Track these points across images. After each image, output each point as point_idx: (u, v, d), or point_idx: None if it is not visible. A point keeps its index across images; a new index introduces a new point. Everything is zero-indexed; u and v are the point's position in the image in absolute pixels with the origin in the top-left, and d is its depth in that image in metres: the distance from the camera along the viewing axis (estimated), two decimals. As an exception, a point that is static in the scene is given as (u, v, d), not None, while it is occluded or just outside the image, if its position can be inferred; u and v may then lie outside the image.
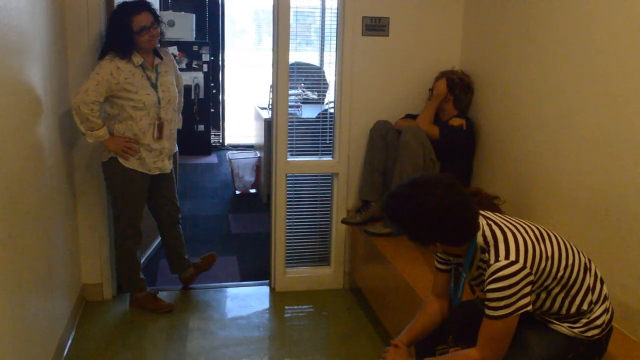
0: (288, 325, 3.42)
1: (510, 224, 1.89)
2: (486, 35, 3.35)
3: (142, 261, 4.00)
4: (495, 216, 1.94)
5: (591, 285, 1.92)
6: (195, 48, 7.18)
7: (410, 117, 3.53)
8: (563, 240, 1.93)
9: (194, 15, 7.21)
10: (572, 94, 2.57)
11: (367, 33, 3.51)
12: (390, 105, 3.63)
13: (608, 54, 2.35)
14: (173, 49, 6.85)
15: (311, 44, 3.79)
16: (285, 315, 3.55)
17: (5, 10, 2.14)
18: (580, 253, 1.96)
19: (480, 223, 1.88)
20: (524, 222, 1.93)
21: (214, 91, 7.87)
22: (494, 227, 1.87)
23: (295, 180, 3.71)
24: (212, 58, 7.53)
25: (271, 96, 4.26)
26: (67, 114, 3.21)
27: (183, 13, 7.12)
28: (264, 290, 3.82)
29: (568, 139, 2.60)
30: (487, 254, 1.84)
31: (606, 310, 1.94)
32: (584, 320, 1.91)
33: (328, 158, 3.69)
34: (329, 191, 3.76)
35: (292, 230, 3.76)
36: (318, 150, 3.69)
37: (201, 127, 7.49)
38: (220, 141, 8.28)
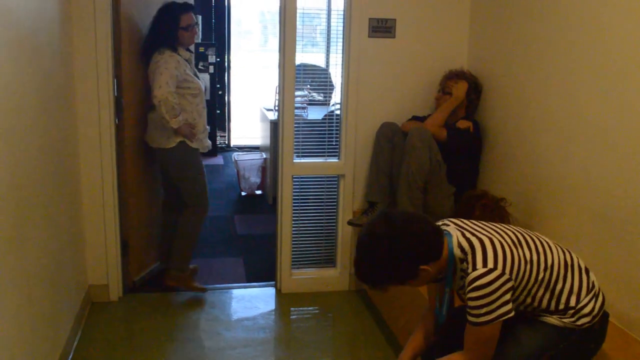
0: (294, 327, 3.42)
1: (486, 230, 1.90)
2: (493, 37, 3.34)
3: (157, 264, 3.99)
4: (470, 224, 1.95)
5: (576, 282, 1.92)
6: (201, 49, 7.18)
7: (417, 118, 3.52)
8: (540, 241, 1.94)
9: (200, 17, 7.22)
10: (581, 96, 2.56)
11: (373, 35, 3.51)
12: (397, 106, 3.62)
13: (617, 55, 2.34)
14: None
15: (317, 45, 3.79)
16: (291, 316, 3.55)
17: (15, 11, 2.15)
18: (560, 250, 1.96)
19: (454, 234, 1.88)
20: (500, 227, 1.94)
21: (220, 92, 7.87)
22: (469, 235, 1.87)
23: (301, 181, 3.70)
24: (219, 59, 7.54)
25: (277, 97, 4.26)
26: (73, 113, 3.22)
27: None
28: (270, 291, 3.82)
29: (576, 141, 2.59)
30: (465, 263, 1.85)
31: (594, 298, 1.93)
32: (571, 312, 1.91)
33: (334, 159, 3.68)
34: (335, 193, 3.75)
35: (298, 231, 3.76)
36: (324, 152, 3.69)
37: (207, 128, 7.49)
38: (226, 142, 8.28)
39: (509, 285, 1.78)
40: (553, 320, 1.92)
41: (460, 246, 1.86)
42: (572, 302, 1.90)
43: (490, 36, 3.38)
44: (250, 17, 9.73)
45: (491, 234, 1.88)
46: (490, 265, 1.78)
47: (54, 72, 2.79)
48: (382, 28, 3.50)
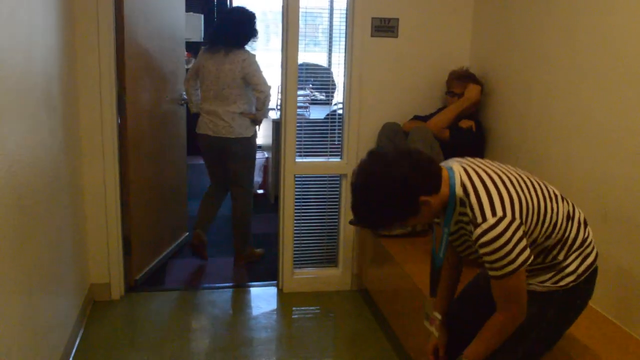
0: (295, 327, 3.41)
1: (492, 171, 1.79)
2: (496, 36, 3.34)
3: (157, 260, 4.01)
4: (474, 162, 1.84)
5: (572, 235, 1.85)
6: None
7: (418, 118, 3.51)
8: (546, 187, 1.85)
9: (202, 16, 7.21)
10: (584, 96, 2.55)
11: (376, 34, 3.50)
12: (399, 106, 3.62)
13: (622, 55, 2.33)
14: (181, 50, 6.86)
15: (319, 44, 3.78)
16: (293, 316, 3.54)
17: (17, 11, 2.15)
18: (565, 201, 1.88)
19: (456, 170, 1.78)
20: (507, 168, 1.83)
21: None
22: (473, 175, 1.76)
23: (304, 181, 3.70)
24: (220, 58, 7.51)
25: (279, 97, 4.26)
26: (74, 114, 3.22)
27: (191, 13, 7.12)
28: (272, 291, 3.82)
29: (579, 141, 2.58)
30: (466, 207, 1.74)
31: (582, 255, 1.86)
32: (554, 272, 1.85)
33: (336, 159, 3.68)
34: (337, 192, 3.75)
35: (300, 231, 3.76)
36: (326, 151, 3.68)
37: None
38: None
39: (522, 230, 1.69)
40: (533, 286, 1.87)
41: (463, 185, 1.75)
42: (560, 257, 1.84)
43: (493, 35, 3.38)
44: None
45: (497, 174, 1.77)
46: (500, 213, 1.68)
47: (57, 71, 2.78)
48: (384, 27, 3.50)
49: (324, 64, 3.99)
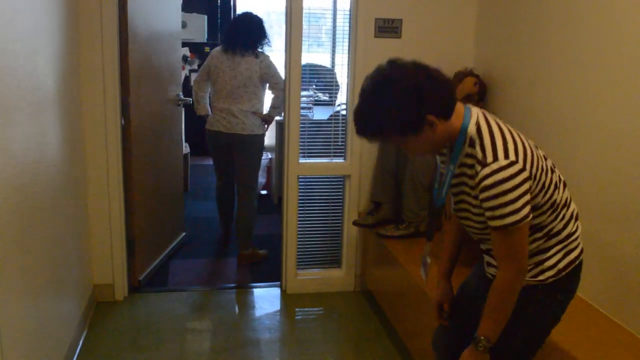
0: (299, 328, 3.41)
1: (511, 130, 1.71)
2: (500, 36, 3.33)
3: (157, 260, 4.02)
4: (496, 118, 1.75)
5: (560, 225, 1.77)
6: (207, 49, 7.18)
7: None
8: (555, 168, 1.79)
9: (205, 17, 7.22)
10: (589, 96, 2.54)
11: (379, 35, 3.50)
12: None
13: (626, 54, 2.32)
14: (185, 50, 6.86)
15: (322, 45, 3.78)
16: (296, 317, 3.54)
17: (21, 11, 2.15)
18: (566, 188, 1.80)
19: (474, 112, 1.71)
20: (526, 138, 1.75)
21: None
22: (491, 121, 1.69)
23: (307, 182, 3.70)
24: (224, 59, 7.52)
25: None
26: (78, 113, 3.22)
27: (195, 14, 7.14)
28: (275, 292, 3.82)
29: (583, 141, 2.57)
30: (475, 147, 1.65)
31: (566, 252, 1.77)
32: (532, 265, 1.76)
33: (340, 160, 3.67)
34: (341, 193, 3.74)
35: (303, 232, 3.75)
36: (330, 152, 3.68)
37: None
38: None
39: (529, 184, 1.60)
40: None
41: (477, 124, 1.67)
42: (544, 246, 1.76)
43: (497, 36, 3.37)
44: (255, 17, 9.74)
45: (516, 132, 1.70)
46: (512, 157, 1.58)
47: (61, 73, 2.79)
48: (388, 28, 3.49)
49: (328, 64, 3.99)
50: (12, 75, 2.06)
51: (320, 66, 3.84)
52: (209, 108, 4.25)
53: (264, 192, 6.03)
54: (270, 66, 4.05)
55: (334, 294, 3.77)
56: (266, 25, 4.08)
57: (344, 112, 3.67)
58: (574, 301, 1.84)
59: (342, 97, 3.74)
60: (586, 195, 2.54)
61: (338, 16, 3.59)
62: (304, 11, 3.41)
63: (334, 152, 3.68)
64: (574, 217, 1.82)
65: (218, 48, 4.17)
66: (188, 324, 3.37)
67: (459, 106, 1.71)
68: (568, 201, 1.80)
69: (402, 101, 1.61)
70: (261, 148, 4.24)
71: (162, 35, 4.01)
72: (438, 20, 3.57)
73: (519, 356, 1.85)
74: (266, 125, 4.21)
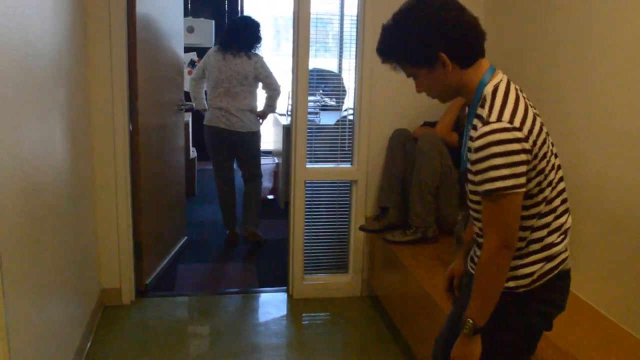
0: (305, 333, 3.41)
1: (527, 99, 1.63)
2: (506, 41, 3.33)
3: (162, 264, 4.03)
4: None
5: (541, 234, 1.65)
6: (214, 54, 7.20)
7: (429, 124, 3.51)
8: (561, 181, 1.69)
9: (213, 22, 7.24)
10: (596, 99, 2.53)
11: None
12: (410, 112, 3.61)
13: (635, 57, 2.31)
14: (192, 55, 6.89)
15: (329, 50, 3.78)
16: (303, 322, 3.54)
17: (30, 18, 2.17)
18: (564, 202, 1.69)
19: (499, 75, 1.64)
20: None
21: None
22: (512, 87, 1.61)
23: (314, 186, 3.70)
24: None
25: (290, 102, 4.28)
26: (86, 116, 3.24)
27: (202, 19, 7.17)
28: (282, 296, 3.81)
29: (591, 145, 2.56)
30: (485, 108, 1.57)
31: (543, 262, 1.65)
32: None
33: (347, 165, 3.68)
34: (348, 198, 3.74)
35: (310, 237, 3.75)
36: (337, 157, 3.68)
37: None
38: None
39: (527, 158, 1.52)
40: None
41: (496, 86, 1.59)
42: (520, 252, 1.65)
43: (503, 40, 3.37)
44: (263, 22, 9.77)
45: (536, 113, 1.60)
46: (517, 124, 1.50)
47: (69, 77, 2.80)
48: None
49: (335, 69, 4.00)
50: (20, 80, 2.08)
51: (328, 71, 3.84)
52: (205, 103, 4.61)
53: (270, 196, 6.04)
54: (264, 66, 4.39)
55: (340, 299, 3.77)
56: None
57: (350, 117, 3.68)
58: (584, 309, 1.82)
59: (349, 102, 3.75)
60: (595, 198, 2.53)
61: (345, 21, 3.59)
62: (312, 16, 3.42)
63: (341, 157, 3.68)
64: (563, 231, 1.70)
65: (214, 48, 4.49)
66: (195, 328, 3.37)
67: (484, 62, 1.65)
68: (561, 212, 1.69)
69: (421, 29, 1.58)
70: (259, 141, 4.67)
71: (165, 40, 4.04)
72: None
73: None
74: (261, 121, 4.62)
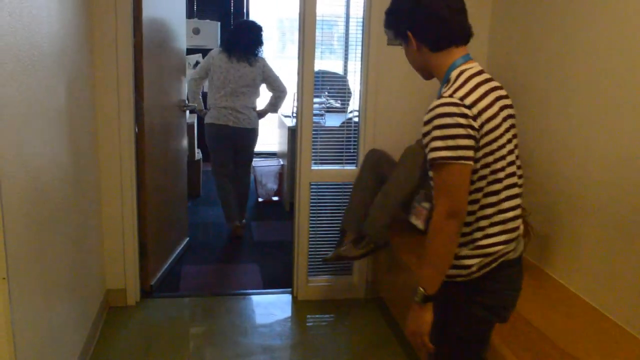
0: (310, 334, 3.41)
1: (492, 87, 1.71)
2: (514, 43, 3.32)
3: (166, 265, 4.04)
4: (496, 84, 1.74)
5: (479, 226, 1.71)
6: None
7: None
8: (514, 174, 1.74)
9: (218, 23, 7.25)
10: (605, 102, 2.53)
11: (391, 43, 3.50)
12: (415, 114, 3.60)
13: None
14: (198, 57, 6.91)
15: (334, 52, 3.79)
16: (307, 324, 3.54)
17: (37, 19, 2.18)
18: (512, 197, 1.72)
19: (473, 63, 1.74)
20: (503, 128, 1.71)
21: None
22: (480, 75, 1.70)
23: (318, 188, 3.70)
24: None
25: (295, 104, 4.28)
26: (92, 117, 3.25)
27: (208, 21, 7.18)
28: (286, 298, 3.81)
29: (598, 149, 2.56)
30: (446, 88, 1.69)
31: (479, 256, 1.72)
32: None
33: (352, 167, 3.68)
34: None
35: (314, 238, 3.75)
36: (342, 159, 3.68)
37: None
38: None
39: (473, 133, 1.60)
40: None
41: (463, 71, 1.70)
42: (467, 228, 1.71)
43: (510, 43, 3.36)
44: (268, 23, 9.79)
45: (496, 97, 1.68)
46: (468, 102, 1.61)
47: (76, 79, 2.81)
48: (401, 36, 3.49)
49: (340, 71, 4.00)
50: (26, 81, 2.08)
51: (333, 73, 3.85)
52: (202, 103, 4.84)
53: (275, 198, 6.04)
54: (271, 70, 4.67)
55: (345, 301, 3.77)
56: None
57: (356, 119, 3.68)
58: (587, 312, 1.82)
59: (354, 104, 3.75)
60: (600, 204, 2.52)
61: (351, 23, 3.59)
62: (317, 18, 3.42)
63: (346, 159, 3.68)
64: (509, 229, 1.74)
65: (218, 50, 4.65)
66: (199, 329, 3.37)
67: (459, 50, 1.75)
68: (506, 208, 1.73)
69: (400, 6, 1.77)
70: (256, 138, 4.89)
71: (169, 41, 4.05)
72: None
73: (450, 355, 1.86)
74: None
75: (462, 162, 1.60)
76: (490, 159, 1.66)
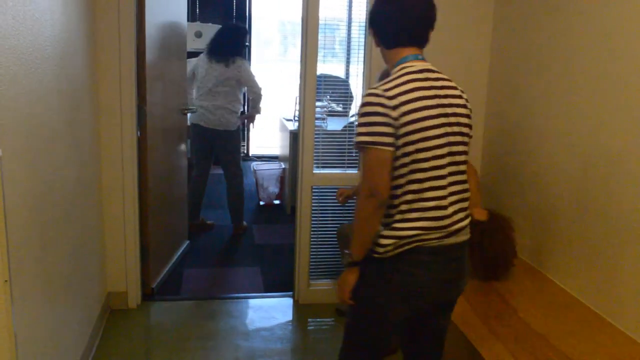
0: (311, 338, 3.40)
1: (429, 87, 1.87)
2: (516, 47, 3.32)
3: (167, 268, 4.04)
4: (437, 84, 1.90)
5: (398, 209, 1.85)
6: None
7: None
8: (450, 165, 1.87)
9: (220, 27, 7.26)
10: (607, 102, 2.53)
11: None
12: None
13: (641, 70, 2.31)
14: (200, 60, 6.92)
15: (337, 56, 3.79)
16: (309, 327, 3.53)
17: (40, 22, 2.18)
18: (435, 189, 1.85)
19: (417, 63, 1.91)
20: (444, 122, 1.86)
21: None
22: (418, 74, 1.87)
23: (320, 192, 3.70)
24: (238, 69, 7.56)
25: (297, 108, 4.29)
26: (94, 120, 3.25)
27: (210, 24, 7.19)
28: (287, 302, 3.81)
29: (599, 153, 2.56)
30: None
31: (395, 237, 1.85)
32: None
33: (354, 171, 3.67)
34: (354, 204, 3.73)
35: (316, 242, 3.75)
36: (343, 163, 3.68)
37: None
38: (245, 152, 8.31)
39: (389, 121, 1.78)
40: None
41: (401, 68, 1.90)
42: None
43: (513, 47, 3.36)
44: (270, 27, 9.80)
45: (424, 94, 1.84)
46: (389, 94, 1.80)
47: (78, 82, 2.82)
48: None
49: (342, 75, 4.00)
50: (29, 83, 2.09)
51: (335, 77, 3.85)
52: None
53: (277, 201, 6.04)
54: (245, 71, 4.75)
55: (347, 305, 3.75)
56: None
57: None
58: (587, 315, 1.82)
59: (356, 108, 3.75)
60: (600, 213, 2.52)
61: (353, 27, 3.60)
62: (320, 22, 3.42)
63: (348, 163, 3.68)
64: (430, 217, 1.85)
65: (203, 53, 4.84)
66: (200, 333, 3.37)
67: (410, 50, 1.94)
68: (429, 197, 1.85)
69: (372, 6, 2.01)
70: (237, 141, 4.94)
71: (171, 45, 4.06)
72: (453, 32, 3.57)
73: (355, 328, 2.06)
74: (251, 124, 5.20)
75: (379, 147, 1.78)
76: (411, 148, 1.80)
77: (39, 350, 2.18)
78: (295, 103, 5.68)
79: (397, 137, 1.79)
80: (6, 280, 1.79)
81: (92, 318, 3.14)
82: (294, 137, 5.09)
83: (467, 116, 1.94)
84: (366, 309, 2.00)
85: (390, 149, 1.79)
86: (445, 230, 1.87)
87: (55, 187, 2.39)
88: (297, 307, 3.74)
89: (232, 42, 4.75)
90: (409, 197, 1.84)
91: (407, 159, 1.81)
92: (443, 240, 1.87)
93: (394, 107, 1.78)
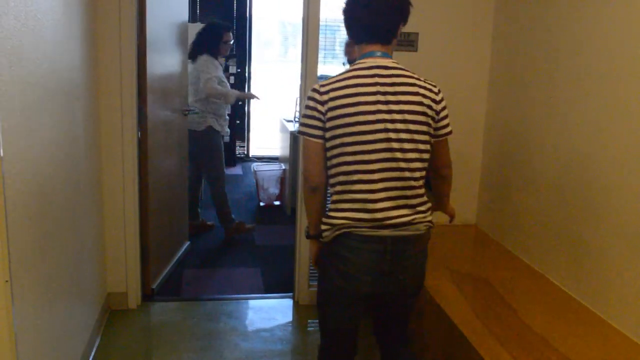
0: (311, 339, 3.40)
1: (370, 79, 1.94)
2: (516, 50, 3.33)
3: (167, 269, 4.05)
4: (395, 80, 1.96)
5: (338, 196, 1.99)
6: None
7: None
8: (400, 159, 1.94)
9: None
10: (603, 112, 2.53)
11: (395, 48, 3.48)
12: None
13: (642, 72, 2.31)
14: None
15: (337, 57, 3.80)
16: (308, 328, 3.53)
17: (42, 23, 2.18)
18: (378, 181, 1.95)
19: (366, 61, 1.96)
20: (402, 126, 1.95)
21: (240, 103, 7.92)
22: (362, 72, 1.94)
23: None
24: (239, 70, 7.58)
25: (297, 109, 4.28)
26: (96, 120, 3.26)
27: (211, 26, 7.19)
28: (288, 303, 3.81)
29: (599, 162, 2.56)
30: None
31: (330, 225, 1.98)
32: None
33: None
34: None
35: (316, 243, 3.75)
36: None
37: (226, 139, 7.53)
38: (245, 153, 8.32)
39: (318, 115, 1.92)
40: None
41: (353, 64, 1.99)
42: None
43: (513, 50, 3.37)
44: (270, 27, 9.81)
45: (359, 87, 1.93)
46: (324, 89, 1.92)
47: (79, 83, 2.82)
48: (404, 42, 3.50)
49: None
50: (30, 84, 2.09)
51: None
52: None
53: (277, 202, 6.05)
54: (202, 66, 4.59)
55: (346, 306, 3.76)
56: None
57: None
58: (589, 318, 1.82)
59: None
60: (605, 215, 2.53)
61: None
62: (320, 23, 3.43)
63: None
64: (355, 208, 1.95)
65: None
66: (200, 333, 3.37)
67: (372, 47, 2.00)
68: (357, 189, 1.94)
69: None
70: (208, 142, 4.71)
71: (172, 46, 4.07)
72: (454, 35, 3.57)
73: (319, 305, 2.22)
74: (215, 120, 4.69)
75: (308, 137, 1.96)
76: (336, 141, 1.92)
77: (39, 350, 2.18)
78: (296, 104, 5.69)
79: (325, 130, 1.93)
80: (6, 280, 1.80)
81: (92, 318, 3.14)
82: (294, 138, 5.10)
83: (423, 114, 1.95)
84: (322, 278, 2.16)
85: (319, 140, 1.95)
86: (377, 222, 1.94)
87: (56, 188, 2.39)
88: (297, 308, 3.74)
89: (198, 41, 4.71)
90: (339, 188, 1.98)
91: (335, 151, 1.94)
92: (375, 230, 1.95)
93: (323, 102, 1.91)
